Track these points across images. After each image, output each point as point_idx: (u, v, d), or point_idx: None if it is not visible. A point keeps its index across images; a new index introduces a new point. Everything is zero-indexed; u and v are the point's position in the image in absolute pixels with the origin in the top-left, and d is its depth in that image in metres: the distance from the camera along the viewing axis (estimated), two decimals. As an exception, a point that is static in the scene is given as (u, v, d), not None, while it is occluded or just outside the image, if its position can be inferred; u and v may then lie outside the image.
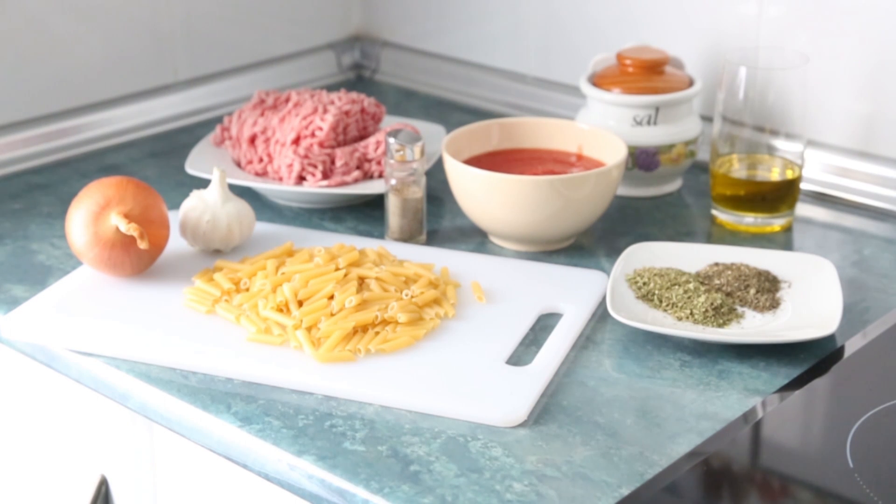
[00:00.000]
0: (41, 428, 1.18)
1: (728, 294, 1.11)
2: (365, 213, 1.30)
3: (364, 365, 1.01)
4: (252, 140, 1.32)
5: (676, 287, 1.10)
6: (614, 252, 1.20)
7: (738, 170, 1.26)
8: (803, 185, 1.33)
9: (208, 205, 1.18)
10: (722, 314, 1.07)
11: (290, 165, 1.28)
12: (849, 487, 0.87)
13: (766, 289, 1.11)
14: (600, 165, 1.24)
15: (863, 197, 1.32)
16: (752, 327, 1.07)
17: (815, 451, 0.95)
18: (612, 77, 1.33)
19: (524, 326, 1.08)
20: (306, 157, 1.28)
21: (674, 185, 1.35)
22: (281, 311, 1.07)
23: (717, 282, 1.12)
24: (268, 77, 1.62)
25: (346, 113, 1.32)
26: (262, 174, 1.31)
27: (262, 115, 1.35)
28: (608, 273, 1.15)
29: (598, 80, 1.33)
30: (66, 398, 1.13)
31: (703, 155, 1.38)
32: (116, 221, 1.11)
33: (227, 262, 1.16)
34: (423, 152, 1.21)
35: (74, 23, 1.44)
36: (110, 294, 1.12)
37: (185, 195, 1.22)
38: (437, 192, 1.33)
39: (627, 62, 1.32)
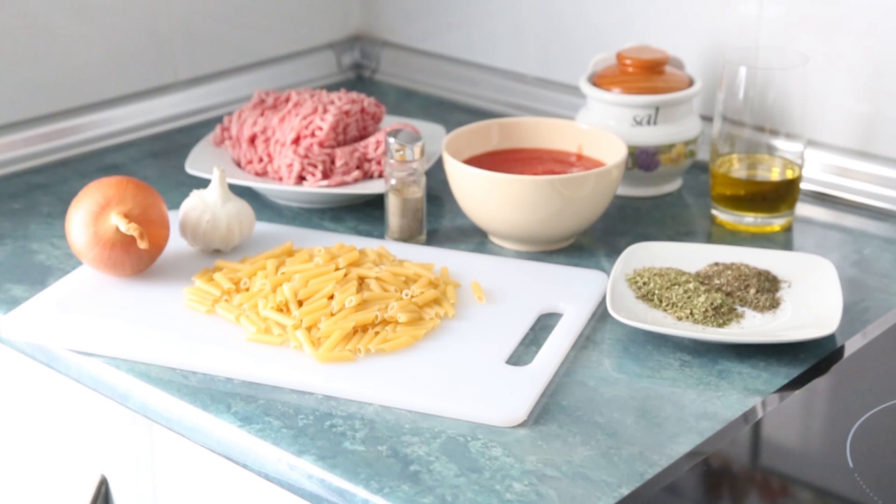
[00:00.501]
0: (41, 428, 1.18)
1: (728, 294, 1.10)
2: (365, 213, 1.30)
3: (364, 365, 1.01)
4: (252, 140, 1.32)
5: (676, 287, 1.10)
6: (614, 252, 1.20)
7: (738, 170, 1.26)
8: (803, 185, 1.33)
9: (208, 205, 1.18)
10: (722, 314, 1.07)
11: (290, 165, 1.28)
12: (849, 487, 0.87)
13: (766, 289, 1.11)
14: (600, 165, 1.24)
15: (863, 197, 1.32)
16: (752, 327, 1.07)
17: (815, 451, 0.95)
18: (612, 77, 1.33)
19: (524, 326, 1.07)
20: (306, 156, 1.28)
21: (674, 185, 1.35)
22: (281, 310, 1.07)
23: (717, 282, 1.12)
24: (268, 77, 1.62)
25: (346, 113, 1.32)
26: (262, 174, 1.31)
27: (262, 115, 1.34)
28: (608, 273, 1.15)
29: (598, 80, 1.33)
30: (66, 398, 1.13)
31: (703, 155, 1.38)
32: (116, 221, 1.11)
33: (227, 262, 1.16)
34: (423, 152, 1.21)
35: (74, 22, 1.44)
36: (110, 294, 1.12)
37: (185, 195, 1.22)
38: (437, 192, 1.33)
39: (627, 62, 1.32)
